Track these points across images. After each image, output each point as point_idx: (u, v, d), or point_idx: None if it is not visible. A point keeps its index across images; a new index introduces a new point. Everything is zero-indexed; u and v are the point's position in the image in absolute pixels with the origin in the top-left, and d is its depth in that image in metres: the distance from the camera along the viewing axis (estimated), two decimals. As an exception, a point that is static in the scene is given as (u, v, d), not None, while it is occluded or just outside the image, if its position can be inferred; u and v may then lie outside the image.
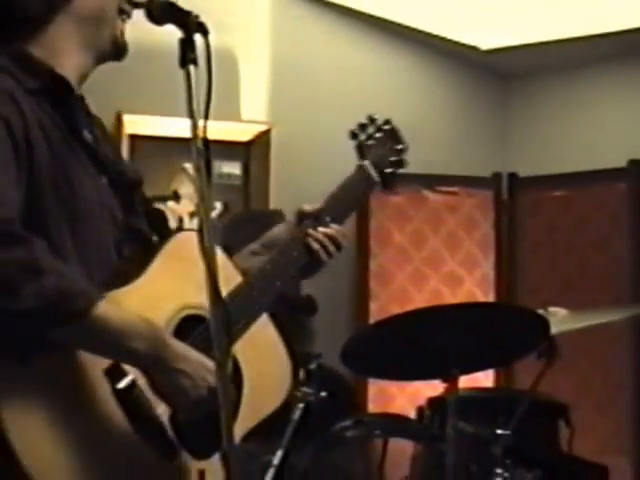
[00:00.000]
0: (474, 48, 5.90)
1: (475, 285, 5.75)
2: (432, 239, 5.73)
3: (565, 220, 5.72)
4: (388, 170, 3.15)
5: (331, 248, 2.92)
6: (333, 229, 2.94)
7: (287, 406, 3.22)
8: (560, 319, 3.90)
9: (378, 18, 5.64)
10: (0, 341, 2.41)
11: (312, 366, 3.33)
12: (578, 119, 6.03)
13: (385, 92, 5.76)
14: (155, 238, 2.79)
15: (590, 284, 5.46)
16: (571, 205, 5.71)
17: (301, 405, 3.24)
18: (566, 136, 6.01)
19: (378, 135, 3.18)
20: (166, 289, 2.63)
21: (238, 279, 2.76)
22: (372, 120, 3.19)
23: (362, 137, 3.15)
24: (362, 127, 3.14)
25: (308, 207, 2.95)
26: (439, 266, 5.73)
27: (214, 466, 2.61)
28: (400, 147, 3.22)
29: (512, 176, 5.84)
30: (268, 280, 2.82)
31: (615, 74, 5.92)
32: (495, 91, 6.22)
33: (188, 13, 2.48)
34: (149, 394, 2.57)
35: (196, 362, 2.56)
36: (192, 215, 4.76)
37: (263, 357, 2.74)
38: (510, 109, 6.22)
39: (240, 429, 2.63)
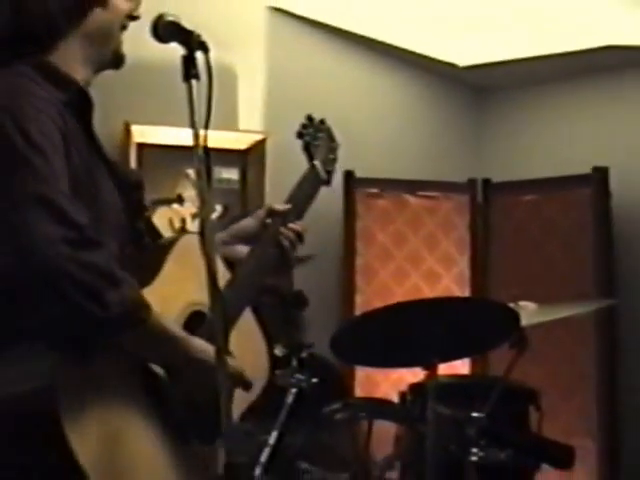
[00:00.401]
0: (452, 65, 5.90)
1: (452, 281, 5.76)
2: (412, 239, 5.74)
3: (534, 222, 5.72)
4: (330, 168, 3.17)
5: (297, 243, 2.93)
6: (299, 225, 2.95)
7: (282, 391, 3.27)
8: (530, 312, 3.90)
9: (364, 37, 5.64)
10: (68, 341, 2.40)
11: (304, 355, 3.33)
12: (546, 130, 6.03)
13: (371, 105, 5.80)
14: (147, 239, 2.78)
15: (557, 281, 5.46)
16: (540, 209, 5.71)
17: (294, 390, 3.24)
18: (535, 145, 6.03)
19: (320, 135, 3.17)
20: (175, 289, 2.65)
21: (227, 275, 2.76)
22: (311, 120, 3.17)
23: (307, 137, 3.12)
24: (305, 127, 3.13)
25: (279, 206, 2.96)
26: (419, 264, 5.73)
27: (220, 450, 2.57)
28: (335, 145, 3.23)
29: (486, 182, 5.84)
30: (253, 275, 2.84)
31: (579, 90, 5.93)
32: (470, 104, 6.23)
33: (191, 32, 2.50)
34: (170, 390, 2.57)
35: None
36: (194, 217, 4.75)
37: (244, 346, 2.73)
38: (484, 121, 6.23)
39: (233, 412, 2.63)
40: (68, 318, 2.38)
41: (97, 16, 2.65)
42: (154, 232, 2.83)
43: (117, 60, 2.72)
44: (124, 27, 2.70)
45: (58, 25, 2.63)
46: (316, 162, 3.10)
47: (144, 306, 2.44)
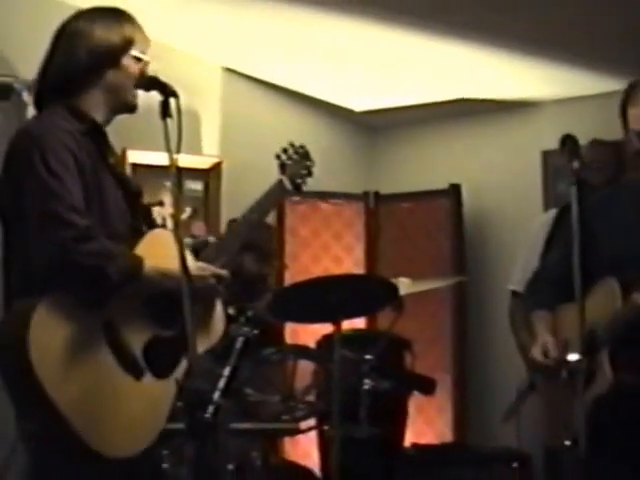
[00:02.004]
0: (351, 110, 5.90)
1: (352, 264, 5.74)
2: (324, 234, 5.72)
3: (410, 223, 5.71)
4: (299, 180, 3.12)
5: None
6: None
7: (233, 339, 3.22)
8: (405, 285, 3.92)
9: (290, 90, 5.64)
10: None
11: (249, 313, 3.29)
12: (419, 158, 5.99)
13: (296, 139, 5.75)
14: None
15: (425, 264, 5.49)
16: (413, 213, 5.71)
17: (241, 338, 3.21)
18: (411, 169, 5.99)
19: (295, 157, 3.12)
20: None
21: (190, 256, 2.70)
22: (292, 145, 3.15)
23: (283, 157, 3.09)
24: (285, 151, 3.11)
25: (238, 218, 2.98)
26: (328, 251, 5.72)
27: (170, 384, 2.59)
28: (309, 163, 3.18)
29: (376, 194, 5.83)
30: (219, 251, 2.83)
31: (444, 129, 5.90)
32: (365, 139, 6.17)
33: (165, 84, 2.55)
34: (130, 339, 2.53)
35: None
36: (172, 216, 4.69)
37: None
38: (376, 150, 6.16)
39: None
40: (85, 288, 2.44)
41: (111, 75, 2.66)
42: (153, 224, 2.83)
43: (130, 108, 2.71)
44: (140, 85, 2.67)
45: (80, 81, 2.65)
46: (283, 177, 3.06)
47: (137, 265, 2.48)
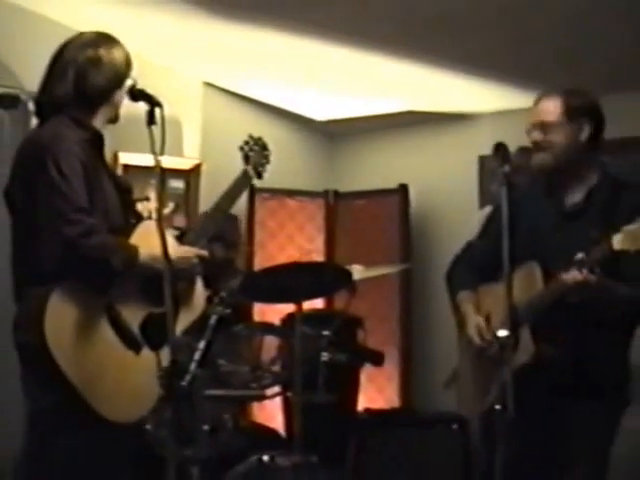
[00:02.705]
0: (313, 120, 5.89)
1: (314, 253, 5.73)
2: (289, 226, 5.70)
3: (364, 218, 5.69)
4: (261, 168, 3.15)
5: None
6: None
7: (208, 317, 3.18)
8: (358, 271, 3.91)
9: (261, 102, 5.62)
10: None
11: (223, 294, 3.21)
12: (373, 161, 6.00)
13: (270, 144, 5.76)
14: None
15: (376, 253, 5.45)
16: (368, 209, 5.70)
17: (215, 316, 3.13)
18: (366, 170, 5.99)
19: (255, 148, 3.16)
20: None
21: (175, 244, 2.75)
22: (252, 137, 3.18)
23: (246, 149, 3.12)
24: (246, 143, 3.15)
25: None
26: (293, 241, 5.70)
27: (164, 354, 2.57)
28: (268, 153, 3.21)
29: (335, 192, 5.82)
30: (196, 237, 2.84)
31: (394, 136, 5.90)
32: (326, 144, 6.16)
33: (151, 95, 2.56)
34: (129, 318, 2.56)
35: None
36: (156, 210, 4.65)
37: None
38: (335, 154, 6.16)
39: (179, 328, 2.67)
40: (92, 277, 2.47)
41: (117, 95, 2.71)
42: (139, 217, 2.82)
43: (116, 119, 2.76)
44: (130, 97, 2.69)
45: (95, 101, 2.70)
46: (247, 167, 3.09)
47: (135, 254, 2.51)
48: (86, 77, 2.65)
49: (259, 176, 3.15)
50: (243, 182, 3.08)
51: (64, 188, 2.46)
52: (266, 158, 3.19)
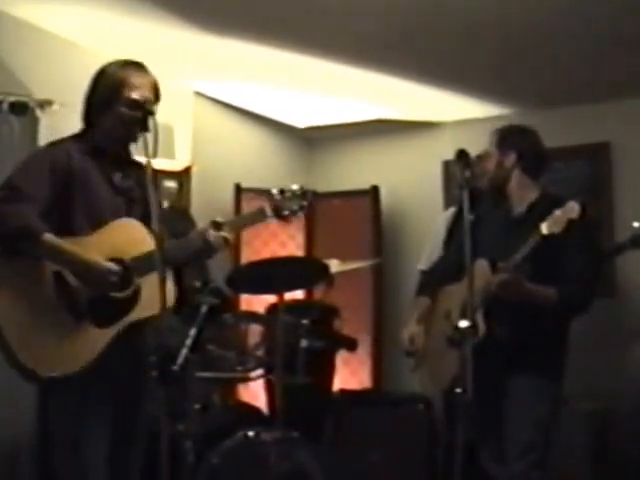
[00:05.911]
0: (294, 126, 5.88)
1: (294, 248, 5.72)
2: (272, 224, 5.62)
3: (340, 216, 5.69)
4: (285, 212, 2.90)
5: (222, 245, 2.76)
6: (225, 234, 2.76)
7: (198, 306, 3.16)
8: (335, 265, 3.94)
9: (247, 111, 5.58)
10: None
11: (212, 286, 3.27)
12: (348, 164, 5.96)
13: (254, 149, 5.74)
14: None
15: (350, 248, 5.44)
16: (343, 209, 5.70)
17: (206, 306, 3.17)
18: (342, 173, 5.97)
19: (288, 195, 2.89)
20: (108, 244, 2.62)
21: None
22: (296, 188, 2.92)
23: (275, 193, 2.90)
24: (281, 191, 2.91)
25: (219, 219, 2.81)
26: (276, 238, 5.68)
27: (107, 333, 2.55)
28: (304, 203, 2.93)
29: (315, 192, 5.62)
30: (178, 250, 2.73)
31: (367, 142, 5.87)
32: (305, 149, 6.13)
33: (144, 106, 2.61)
34: (77, 289, 2.53)
35: (101, 266, 2.54)
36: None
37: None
38: (313, 157, 6.13)
39: (134, 317, 2.61)
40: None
41: (104, 119, 2.70)
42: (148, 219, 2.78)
43: (141, 129, 2.64)
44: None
45: (84, 119, 2.74)
46: (265, 206, 2.87)
47: (39, 231, 2.46)
48: (111, 96, 2.68)
49: (282, 219, 2.89)
50: (255, 219, 2.93)
51: (15, 173, 2.53)
52: (300, 206, 2.89)
